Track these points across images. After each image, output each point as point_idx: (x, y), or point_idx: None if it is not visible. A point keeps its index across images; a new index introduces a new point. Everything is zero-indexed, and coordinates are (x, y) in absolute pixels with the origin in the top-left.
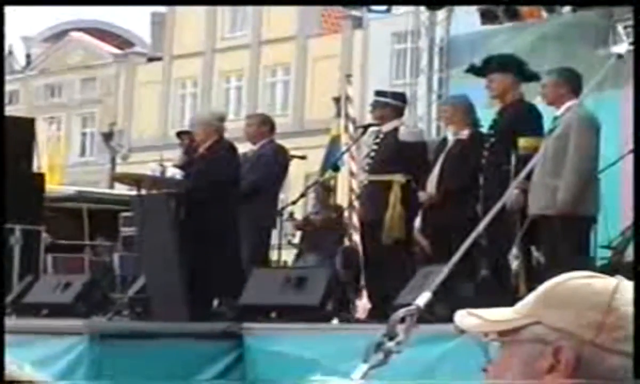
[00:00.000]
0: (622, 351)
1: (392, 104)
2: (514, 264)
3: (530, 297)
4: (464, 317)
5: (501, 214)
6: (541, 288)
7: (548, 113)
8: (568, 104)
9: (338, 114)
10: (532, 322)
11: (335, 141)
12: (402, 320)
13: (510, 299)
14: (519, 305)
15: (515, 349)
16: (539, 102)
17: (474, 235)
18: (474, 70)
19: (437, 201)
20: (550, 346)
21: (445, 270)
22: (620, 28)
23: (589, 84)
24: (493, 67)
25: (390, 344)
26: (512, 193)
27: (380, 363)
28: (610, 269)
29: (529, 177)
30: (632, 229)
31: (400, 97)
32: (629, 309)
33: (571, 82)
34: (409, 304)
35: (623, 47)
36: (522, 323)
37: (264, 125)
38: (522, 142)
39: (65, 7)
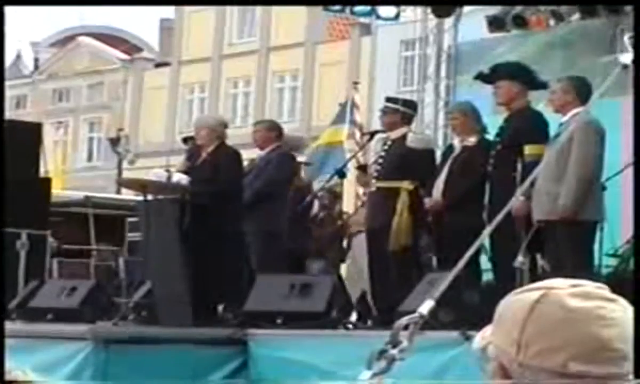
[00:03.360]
0: (539, 366)
1: (403, 111)
2: (519, 271)
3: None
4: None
5: (506, 221)
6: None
7: (555, 120)
8: (574, 111)
9: (337, 120)
10: (489, 342)
11: (330, 146)
12: (406, 327)
13: None
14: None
15: (487, 367)
16: (544, 109)
17: (478, 242)
18: (482, 77)
19: (443, 207)
20: (498, 363)
21: (449, 277)
22: (626, 38)
23: (595, 93)
24: (501, 74)
25: (393, 352)
26: (517, 200)
27: (383, 370)
28: (615, 277)
29: (533, 183)
30: (633, 236)
31: (411, 104)
32: (546, 322)
33: (579, 90)
34: (413, 311)
35: (628, 57)
36: (486, 342)
37: (271, 131)
38: (528, 149)
39: (73, 12)
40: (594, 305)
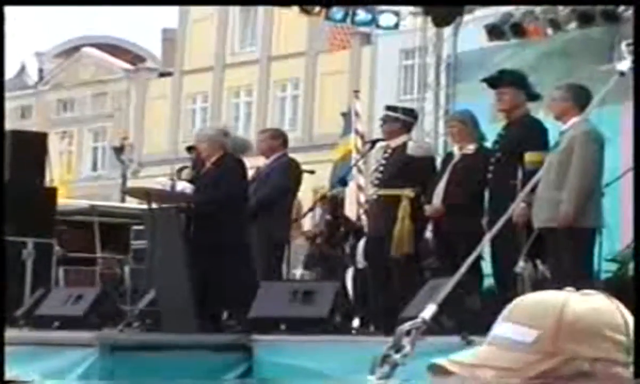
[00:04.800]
0: None
1: (402, 120)
2: (520, 276)
3: (537, 332)
4: (464, 369)
5: (507, 227)
6: (547, 320)
7: (554, 128)
8: (574, 119)
9: (346, 132)
10: (565, 359)
11: (345, 158)
12: (408, 333)
13: None
14: (522, 343)
15: None
16: (543, 117)
17: (479, 248)
18: (488, 81)
19: (443, 214)
20: (597, 377)
21: (451, 282)
22: (623, 46)
23: (593, 100)
24: (507, 81)
25: (396, 357)
26: (518, 206)
27: (386, 375)
28: (615, 282)
29: (534, 190)
30: (633, 240)
31: (411, 112)
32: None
33: (578, 98)
34: (415, 317)
35: (625, 64)
36: (554, 363)
37: (276, 139)
38: (529, 157)
39: (77, 23)
40: None
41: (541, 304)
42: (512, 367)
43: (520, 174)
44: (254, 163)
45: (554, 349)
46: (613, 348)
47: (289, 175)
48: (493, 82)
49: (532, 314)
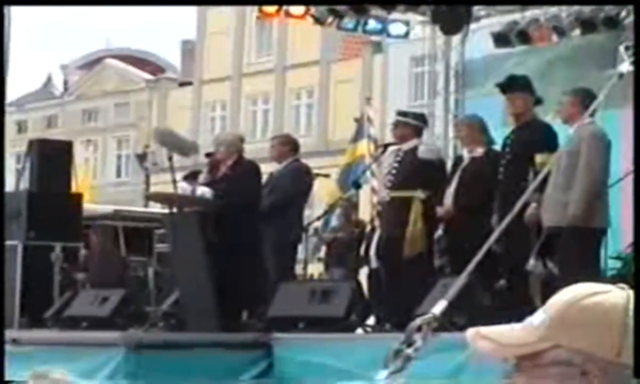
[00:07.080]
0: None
1: (413, 124)
2: (531, 274)
3: (543, 317)
4: (476, 339)
5: (518, 227)
6: (553, 308)
7: (561, 131)
8: (581, 122)
9: (356, 136)
10: (552, 345)
11: (353, 163)
12: (419, 328)
13: (527, 308)
14: (531, 324)
15: (539, 373)
16: (551, 121)
17: (487, 245)
18: (501, 86)
19: (454, 215)
20: (577, 368)
21: (460, 279)
22: (621, 48)
23: (595, 102)
24: (518, 86)
25: (408, 351)
26: (529, 207)
27: (399, 368)
28: (619, 279)
29: (542, 190)
30: (633, 240)
31: (421, 117)
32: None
33: (585, 101)
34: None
35: (625, 66)
36: (541, 347)
37: (286, 145)
38: (540, 158)
39: (100, 36)
40: None
41: (560, 293)
42: (512, 343)
43: (531, 175)
44: (268, 168)
45: (547, 334)
46: (601, 344)
47: (299, 180)
48: (505, 87)
49: (551, 300)
